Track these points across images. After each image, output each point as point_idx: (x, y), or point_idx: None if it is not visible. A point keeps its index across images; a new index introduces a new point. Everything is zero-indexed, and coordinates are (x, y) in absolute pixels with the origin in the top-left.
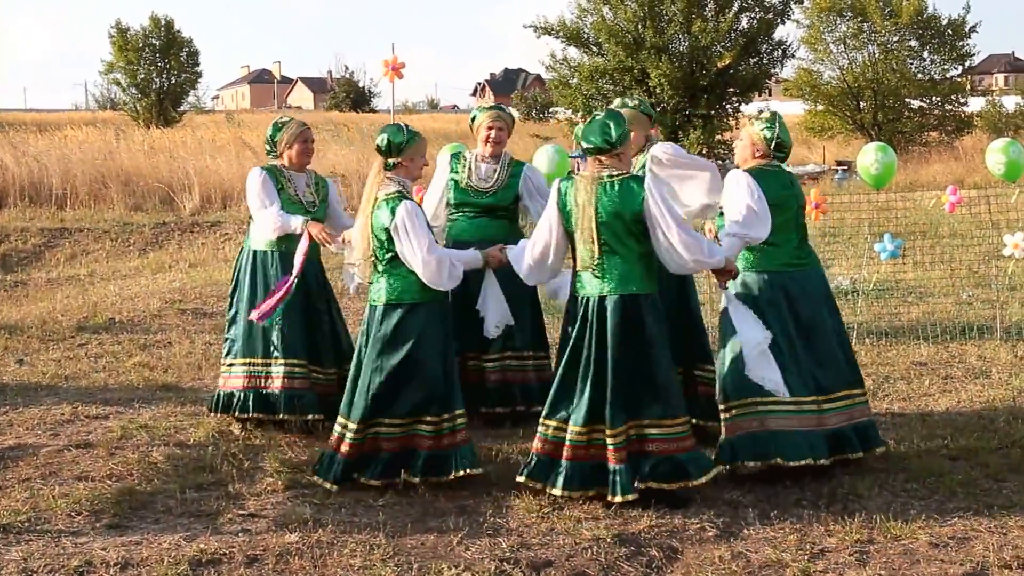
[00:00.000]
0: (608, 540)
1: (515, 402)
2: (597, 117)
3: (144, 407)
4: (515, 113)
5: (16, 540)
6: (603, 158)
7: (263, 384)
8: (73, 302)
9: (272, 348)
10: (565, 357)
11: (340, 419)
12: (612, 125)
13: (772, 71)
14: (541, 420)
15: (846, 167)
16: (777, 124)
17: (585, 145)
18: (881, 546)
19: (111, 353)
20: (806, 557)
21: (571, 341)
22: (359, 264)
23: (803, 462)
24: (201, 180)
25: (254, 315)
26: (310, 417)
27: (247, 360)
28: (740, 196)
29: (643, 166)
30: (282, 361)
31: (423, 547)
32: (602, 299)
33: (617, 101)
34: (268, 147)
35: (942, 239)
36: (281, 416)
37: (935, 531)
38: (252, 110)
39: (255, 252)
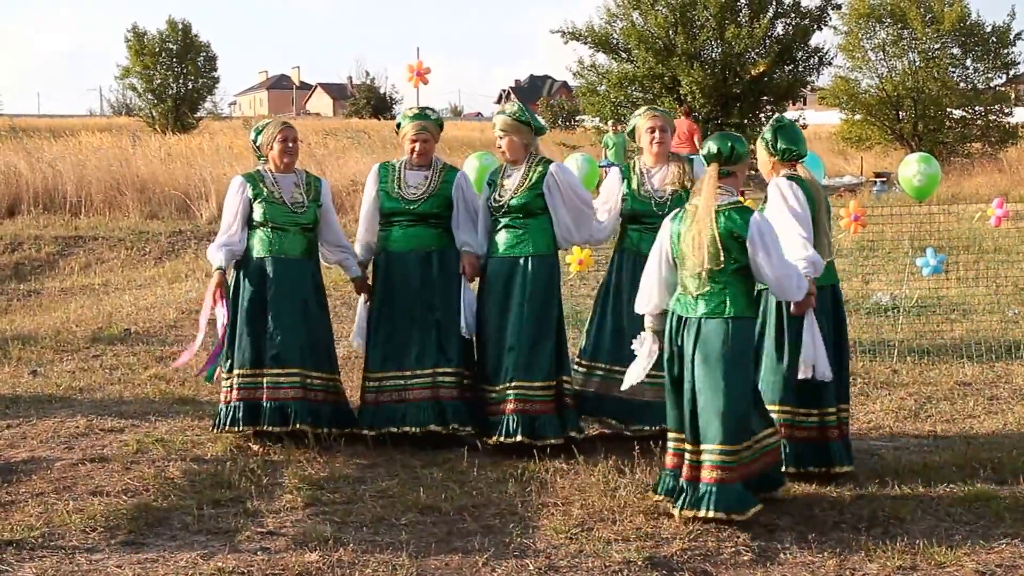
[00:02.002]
0: (639, 563)
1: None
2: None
3: (160, 420)
4: (541, 120)
5: (30, 556)
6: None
7: (254, 396)
8: (87, 312)
9: (263, 357)
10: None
11: (721, 450)
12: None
13: (808, 79)
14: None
15: (884, 179)
16: (773, 130)
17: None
18: (924, 573)
19: (126, 365)
20: None
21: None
22: None
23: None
24: (218, 188)
25: (176, 363)
26: (323, 431)
27: (239, 371)
28: (790, 228)
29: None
30: (275, 371)
31: (447, 568)
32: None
33: (496, 108)
34: (255, 152)
35: (985, 254)
36: (267, 428)
37: (981, 558)
38: (270, 116)
39: (250, 259)
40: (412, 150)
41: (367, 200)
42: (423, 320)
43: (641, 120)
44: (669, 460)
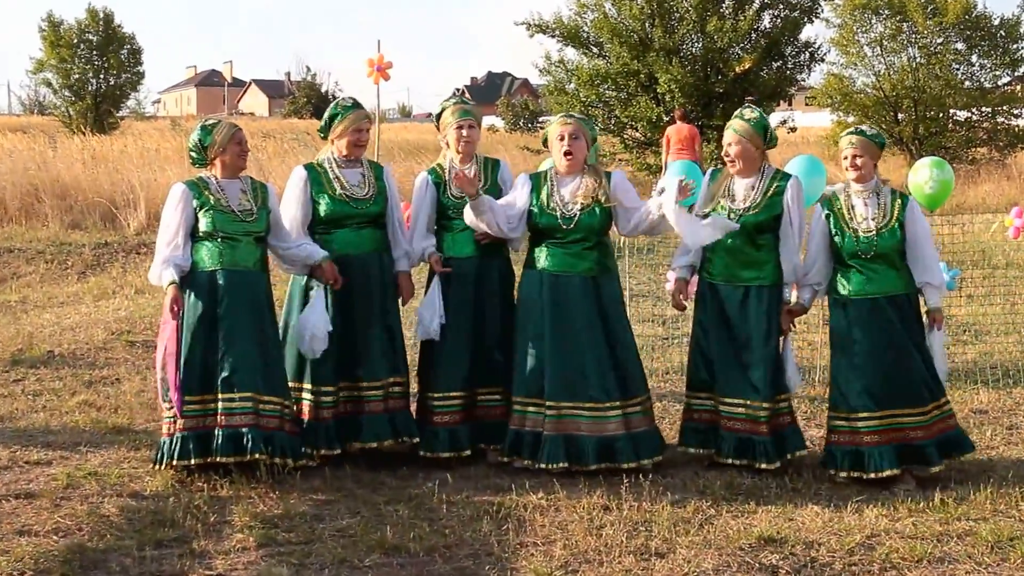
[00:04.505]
0: None
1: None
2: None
3: (92, 452)
4: (500, 123)
5: None
6: None
7: (203, 423)
8: (4, 332)
9: (214, 381)
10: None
11: None
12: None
13: (797, 77)
14: None
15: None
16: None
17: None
18: None
19: (51, 390)
20: None
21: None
22: None
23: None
24: (148, 195)
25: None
26: (278, 461)
27: (186, 398)
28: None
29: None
30: (227, 395)
31: None
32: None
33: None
34: (195, 155)
35: (997, 269)
36: (220, 459)
37: None
38: (199, 116)
39: (196, 273)
40: (356, 142)
41: (296, 207)
42: (378, 326)
43: (552, 127)
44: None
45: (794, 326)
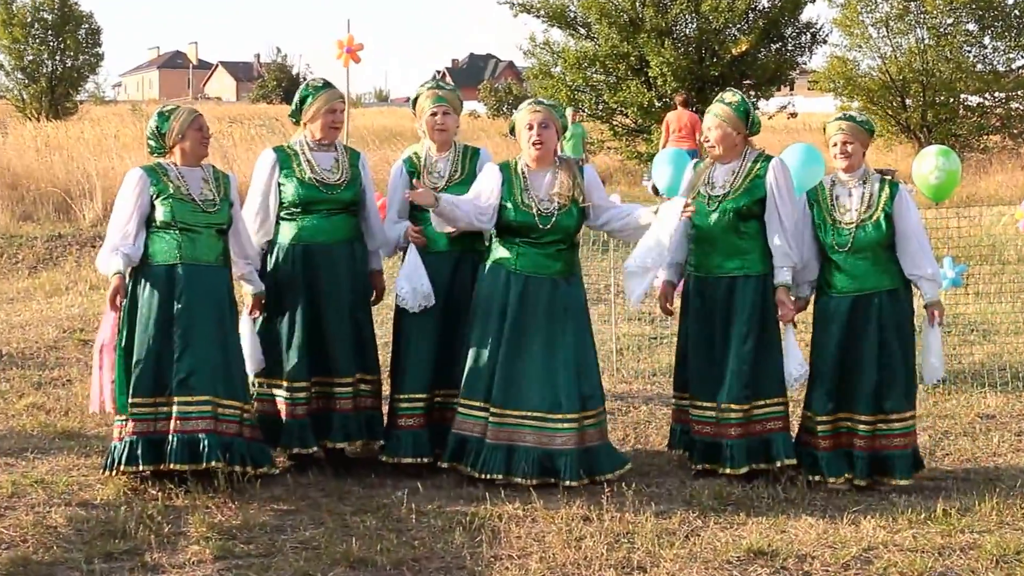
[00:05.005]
0: None
1: None
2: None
3: (40, 458)
4: (482, 108)
5: None
6: None
7: (155, 428)
8: None
9: (168, 382)
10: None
11: None
12: None
13: (798, 60)
14: None
15: (887, 175)
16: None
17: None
18: None
19: None
20: None
21: None
22: None
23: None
24: (104, 184)
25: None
26: (237, 469)
27: (137, 400)
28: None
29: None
30: (183, 399)
31: None
32: None
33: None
34: (153, 143)
35: (1007, 265)
36: (174, 466)
37: None
38: (162, 100)
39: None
40: (330, 123)
41: (260, 191)
42: (347, 319)
43: (519, 116)
44: None
45: (795, 325)
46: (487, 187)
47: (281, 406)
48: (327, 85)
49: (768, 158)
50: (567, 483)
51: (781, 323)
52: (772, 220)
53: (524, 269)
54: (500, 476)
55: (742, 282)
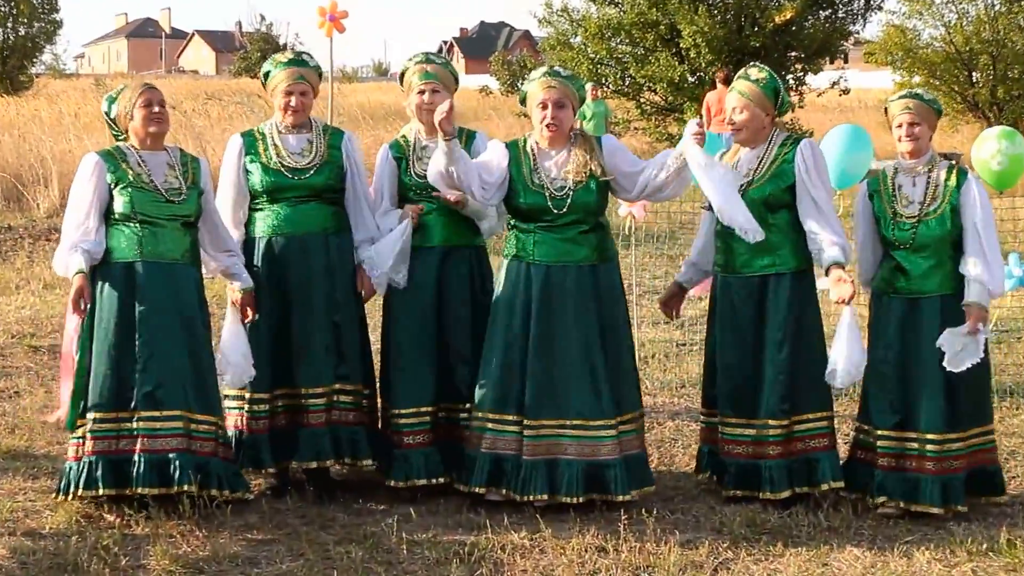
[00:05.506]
0: None
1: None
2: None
3: None
4: (495, 83)
5: None
6: None
7: (117, 447)
8: None
9: (131, 395)
10: None
11: None
12: None
13: (850, 29)
14: None
15: (953, 161)
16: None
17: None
18: None
19: None
20: None
21: None
22: None
23: None
24: (62, 169)
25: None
26: (215, 492)
27: (97, 415)
28: None
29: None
30: (150, 413)
31: None
32: None
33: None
34: (113, 130)
35: None
36: (140, 491)
37: None
38: (131, 74)
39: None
40: (286, 105)
41: (230, 182)
42: (321, 321)
43: (532, 88)
44: None
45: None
46: (493, 160)
47: (234, 420)
48: (292, 61)
49: (797, 140)
50: (619, 498)
51: (842, 306)
52: (804, 204)
53: (544, 259)
54: (544, 497)
55: (774, 281)
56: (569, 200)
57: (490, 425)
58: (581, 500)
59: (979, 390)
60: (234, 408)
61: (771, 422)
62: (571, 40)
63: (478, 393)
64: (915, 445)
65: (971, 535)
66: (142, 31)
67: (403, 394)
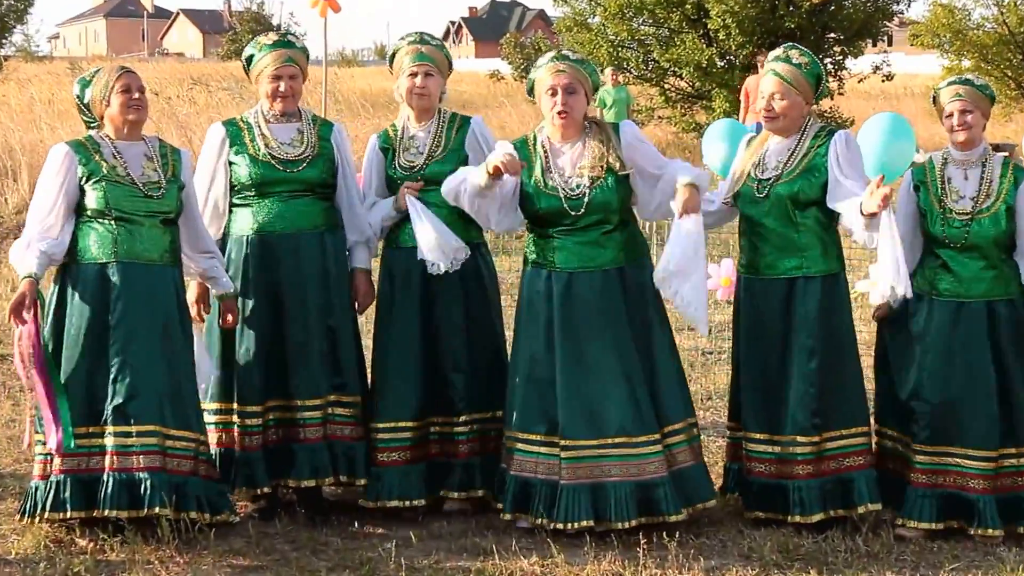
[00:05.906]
0: None
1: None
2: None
3: None
4: (506, 68)
5: None
6: None
7: (87, 466)
8: None
9: (101, 409)
10: None
11: None
12: None
13: (893, 9)
14: None
15: (1006, 152)
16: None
17: None
18: None
19: None
20: None
21: None
22: None
23: None
24: (32, 161)
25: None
26: (195, 515)
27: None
28: None
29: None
30: (121, 428)
31: None
32: None
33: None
34: (85, 117)
35: None
36: (109, 513)
37: None
38: (110, 57)
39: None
40: (274, 91)
41: (211, 175)
42: (316, 326)
43: (539, 75)
44: None
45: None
46: (506, 178)
47: (230, 436)
48: (278, 43)
49: (832, 132)
50: (671, 518)
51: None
52: (838, 192)
53: (566, 265)
54: (590, 523)
55: (802, 284)
56: (586, 200)
57: (519, 445)
58: (632, 524)
59: None
60: (223, 423)
61: (800, 439)
62: (589, 20)
63: (506, 411)
64: (962, 462)
65: (1023, 562)
66: (122, 9)
67: (381, 407)
